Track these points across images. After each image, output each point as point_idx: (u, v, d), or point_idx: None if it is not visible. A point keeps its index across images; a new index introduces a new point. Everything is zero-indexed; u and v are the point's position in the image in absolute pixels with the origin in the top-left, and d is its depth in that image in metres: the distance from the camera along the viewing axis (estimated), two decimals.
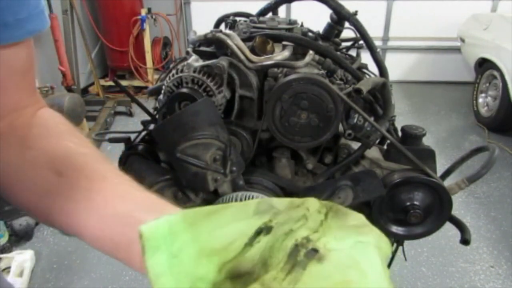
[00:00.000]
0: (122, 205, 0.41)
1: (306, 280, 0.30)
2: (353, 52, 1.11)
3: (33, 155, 0.44)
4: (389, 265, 1.04)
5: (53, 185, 0.43)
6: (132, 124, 3.85)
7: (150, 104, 0.91)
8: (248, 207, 0.35)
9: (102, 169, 0.45)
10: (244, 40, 0.77)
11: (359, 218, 0.37)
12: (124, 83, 4.59)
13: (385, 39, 5.07)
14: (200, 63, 0.71)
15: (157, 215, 0.37)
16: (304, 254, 0.32)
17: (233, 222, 0.34)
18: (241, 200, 0.69)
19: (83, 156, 0.46)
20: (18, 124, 0.46)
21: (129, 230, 0.39)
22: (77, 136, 0.49)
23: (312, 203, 0.37)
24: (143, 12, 4.41)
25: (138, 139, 0.78)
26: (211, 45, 0.79)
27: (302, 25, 1.00)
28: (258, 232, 0.34)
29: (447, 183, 0.77)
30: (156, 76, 4.55)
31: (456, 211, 1.52)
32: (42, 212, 0.45)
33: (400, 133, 0.81)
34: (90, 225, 0.41)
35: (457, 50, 4.57)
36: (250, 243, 0.33)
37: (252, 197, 0.69)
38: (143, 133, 0.79)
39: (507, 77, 3.26)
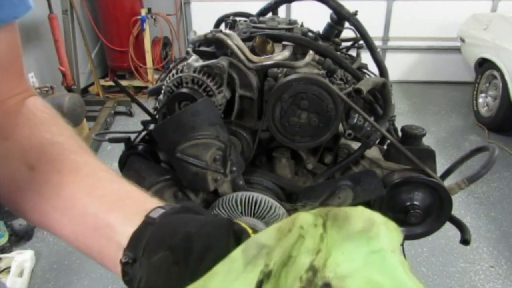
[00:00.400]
0: (89, 203, 0.41)
1: None
2: (353, 52, 1.11)
3: (7, 147, 0.43)
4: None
5: (24, 180, 0.43)
6: (132, 124, 3.85)
7: (150, 104, 0.91)
8: (236, 261, 0.30)
9: (74, 160, 0.45)
10: (244, 40, 0.77)
11: (361, 216, 0.32)
12: (124, 83, 4.59)
13: (385, 39, 5.07)
14: (200, 63, 0.71)
15: (121, 215, 0.38)
16: None
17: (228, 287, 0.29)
18: (241, 200, 0.69)
19: (58, 146, 0.45)
20: None
21: (98, 235, 0.40)
22: (57, 124, 0.48)
23: (304, 218, 0.31)
24: (143, 12, 4.41)
25: (138, 139, 0.78)
26: (211, 45, 0.79)
27: (302, 25, 1.01)
28: (259, 284, 0.29)
29: (447, 183, 0.77)
30: (156, 76, 4.55)
31: (456, 211, 1.52)
32: (16, 208, 0.45)
33: (400, 133, 0.81)
34: (61, 226, 0.42)
35: (457, 50, 4.57)
36: None
37: (252, 197, 0.69)
38: (143, 133, 0.79)
39: (507, 77, 3.26)
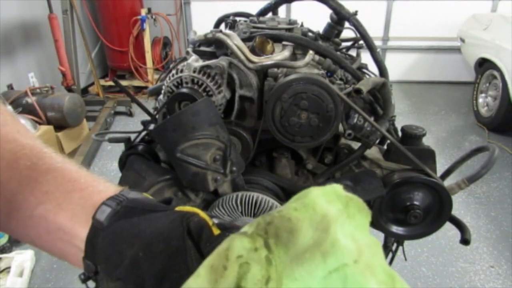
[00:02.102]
0: (35, 203, 0.37)
1: None
2: (353, 52, 1.11)
3: None
4: (389, 265, 1.04)
5: None
6: (132, 124, 3.85)
7: (150, 104, 0.91)
8: None
9: (9, 150, 0.39)
10: (244, 40, 0.77)
11: (310, 220, 0.25)
12: (124, 83, 4.59)
13: (385, 39, 5.07)
14: (200, 63, 0.71)
15: (70, 214, 0.36)
16: None
17: None
18: (241, 200, 0.69)
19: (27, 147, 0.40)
20: None
21: (53, 238, 0.37)
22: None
23: (239, 246, 0.25)
24: (143, 12, 4.41)
25: (138, 139, 0.78)
26: (211, 45, 0.79)
27: (302, 25, 1.01)
28: None
29: (447, 183, 0.77)
30: (156, 76, 4.55)
31: (456, 211, 1.52)
32: None
33: (400, 133, 0.81)
34: (11, 230, 0.39)
35: (457, 50, 4.57)
36: None
37: (252, 197, 0.69)
38: (143, 133, 0.79)
39: (507, 77, 3.26)
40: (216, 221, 0.34)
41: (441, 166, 0.72)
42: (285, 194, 0.79)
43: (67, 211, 0.37)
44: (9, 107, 2.60)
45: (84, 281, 0.35)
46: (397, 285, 0.24)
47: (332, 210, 0.25)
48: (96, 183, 0.39)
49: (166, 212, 0.35)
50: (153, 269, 0.30)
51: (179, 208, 0.36)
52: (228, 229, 0.33)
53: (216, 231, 0.33)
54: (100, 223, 0.35)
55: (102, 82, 4.52)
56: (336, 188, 0.26)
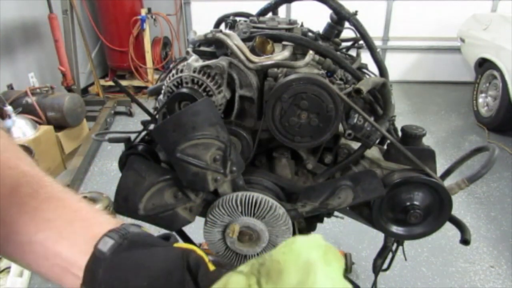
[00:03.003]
0: (35, 230, 0.38)
1: None
2: (353, 52, 1.11)
3: None
4: (389, 265, 1.04)
5: None
6: (132, 124, 3.85)
7: (150, 104, 0.91)
8: None
9: (11, 176, 0.40)
10: (244, 40, 0.77)
11: (295, 264, 0.29)
12: (124, 83, 4.59)
13: (385, 39, 5.07)
14: (200, 63, 0.71)
15: (69, 243, 0.37)
16: None
17: None
18: (241, 200, 0.69)
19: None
20: None
21: (50, 264, 0.39)
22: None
23: (234, 280, 0.30)
24: (143, 12, 4.41)
25: (138, 139, 0.78)
26: (211, 45, 0.79)
27: (302, 25, 1.00)
28: None
29: (447, 183, 0.77)
30: (156, 76, 4.54)
31: (456, 211, 1.52)
32: None
33: (400, 133, 0.81)
34: (8, 254, 0.40)
35: (457, 50, 4.56)
36: None
37: (252, 197, 0.69)
38: (143, 133, 0.79)
39: (507, 77, 3.26)
40: (211, 258, 0.38)
41: (441, 166, 0.72)
42: (285, 194, 0.79)
43: (68, 239, 0.39)
44: (9, 107, 2.60)
45: None
46: None
47: (314, 256, 0.29)
48: (97, 215, 0.41)
49: (166, 248, 0.39)
50: None
51: (177, 245, 0.40)
52: (222, 266, 0.37)
53: (212, 267, 0.36)
54: (102, 253, 0.36)
55: (102, 82, 4.52)
56: (317, 238, 0.31)
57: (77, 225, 0.39)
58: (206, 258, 0.37)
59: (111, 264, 0.36)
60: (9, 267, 1.91)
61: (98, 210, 0.42)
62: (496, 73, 3.52)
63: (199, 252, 0.37)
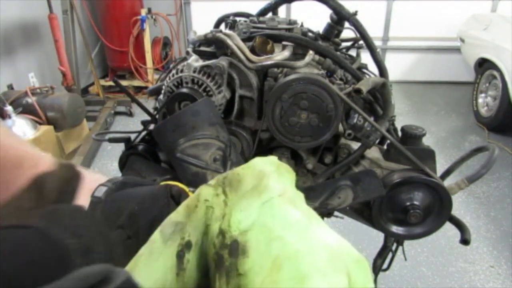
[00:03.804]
0: None
1: (246, 283, 0.29)
2: (353, 52, 1.11)
3: None
4: (389, 265, 1.04)
5: None
6: (132, 124, 3.85)
7: (150, 104, 0.91)
8: (155, 242, 0.33)
9: None
10: (244, 40, 0.77)
11: (252, 173, 0.35)
12: (124, 83, 4.59)
13: (385, 39, 5.07)
14: (200, 63, 0.71)
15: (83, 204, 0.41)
16: (228, 255, 0.31)
17: (151, 265, 0.32)
18: None
19: None
20: None
21: None
22: None
23: (206, 192, 0.36)
24: (143, 12, 4.41)
25: (138, 139, 0.78)
26: (211, 45, 0.79)
27: (302, 25, 1.01)
28: (181, 255, 0.33)
29: (447, 183, 0.77)
30: (156, 76, 4.55)
31: (456, 211, 1.52)
32: None
33: (400, 133, 0.81)
34: None
35: (457, 50, 4.57)
36: (179, 269, 0.32)
37: None
38: (143, 133, 0.79)
39: (507, 77, 3.26)
40: (192, 189, 0.45)
41: (441, 166, 0.72)
42: None
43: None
44: (9, 107, 2.60)
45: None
46: (313, 215, 0.33)
47: (267, 168, 0.36)
48: (94, 174, 0.47)
49: (153, 185, 0.47)
50: (146, 219, 0.40)
51: (162, 183, 0.47)
52: None
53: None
54: (98, 198, 0.42)
55: (102, 82, 4.52)
56: (271, 158, 0.38)
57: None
58: (187, 189, 0.44)
59: (106, 203, 0.42)
60: None
61: (91, 171, 0.48)
62: (496, 73, 3.52)
63: (181, 185, 0.45)
